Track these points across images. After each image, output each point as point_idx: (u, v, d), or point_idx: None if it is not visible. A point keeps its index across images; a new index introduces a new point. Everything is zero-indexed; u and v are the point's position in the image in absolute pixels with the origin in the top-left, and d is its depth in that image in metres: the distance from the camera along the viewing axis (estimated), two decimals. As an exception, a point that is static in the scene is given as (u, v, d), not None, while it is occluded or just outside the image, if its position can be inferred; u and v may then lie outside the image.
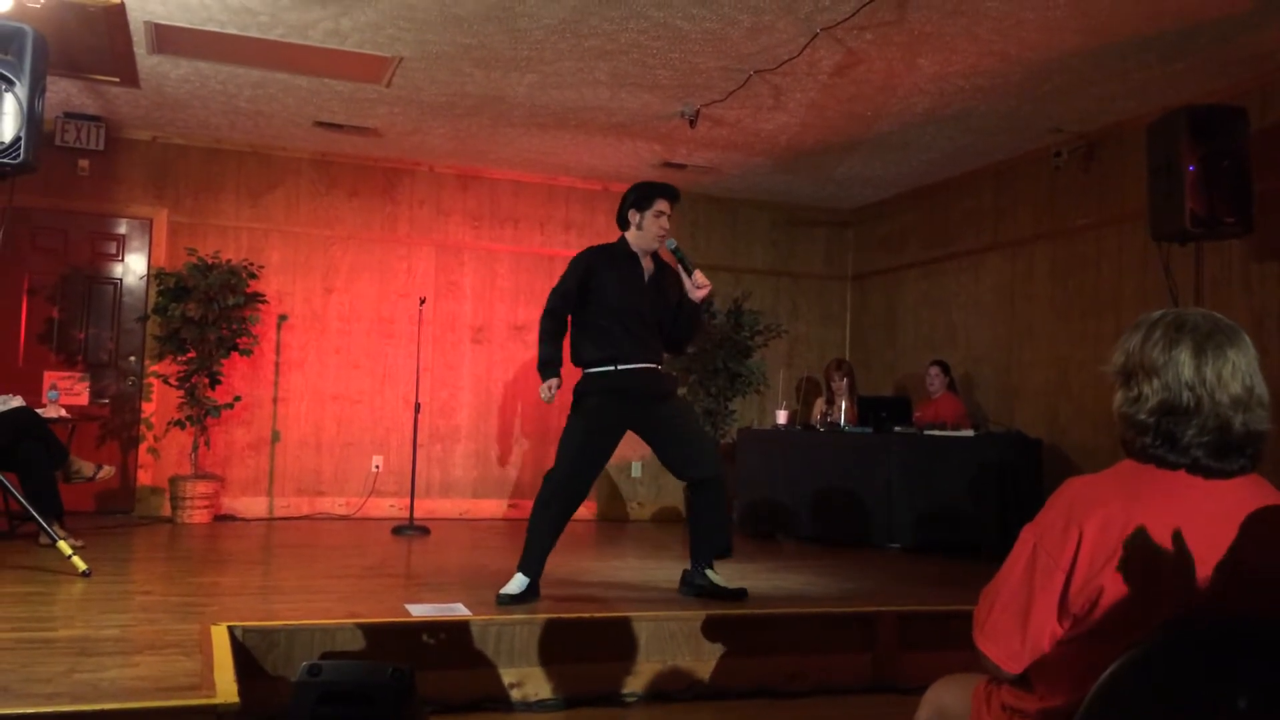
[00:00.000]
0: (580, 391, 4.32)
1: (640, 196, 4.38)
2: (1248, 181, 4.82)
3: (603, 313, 4.30)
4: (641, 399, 4.30)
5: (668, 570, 4.89)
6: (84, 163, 6.96)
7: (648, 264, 4.42)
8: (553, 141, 7.06)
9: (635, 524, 7.89)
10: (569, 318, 4.40)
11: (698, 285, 4.33)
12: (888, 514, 6.46)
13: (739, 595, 4.24)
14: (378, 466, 7.55)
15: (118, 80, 6.06)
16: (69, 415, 6.07)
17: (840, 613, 4.17)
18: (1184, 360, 1.60)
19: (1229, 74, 5.35)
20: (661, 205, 4.35)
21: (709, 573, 4.34)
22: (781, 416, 7.23)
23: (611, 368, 4.26)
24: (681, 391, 7.85)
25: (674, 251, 4.38)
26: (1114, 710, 1.46)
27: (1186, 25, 4.79)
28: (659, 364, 4.40)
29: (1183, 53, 5.11)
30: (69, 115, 6.74)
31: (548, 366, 4.31)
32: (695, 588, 4.33)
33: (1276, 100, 5.33)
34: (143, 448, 7.08)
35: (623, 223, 4.44)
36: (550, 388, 4.26)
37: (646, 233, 4.36)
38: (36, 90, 4.05)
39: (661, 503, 8.15)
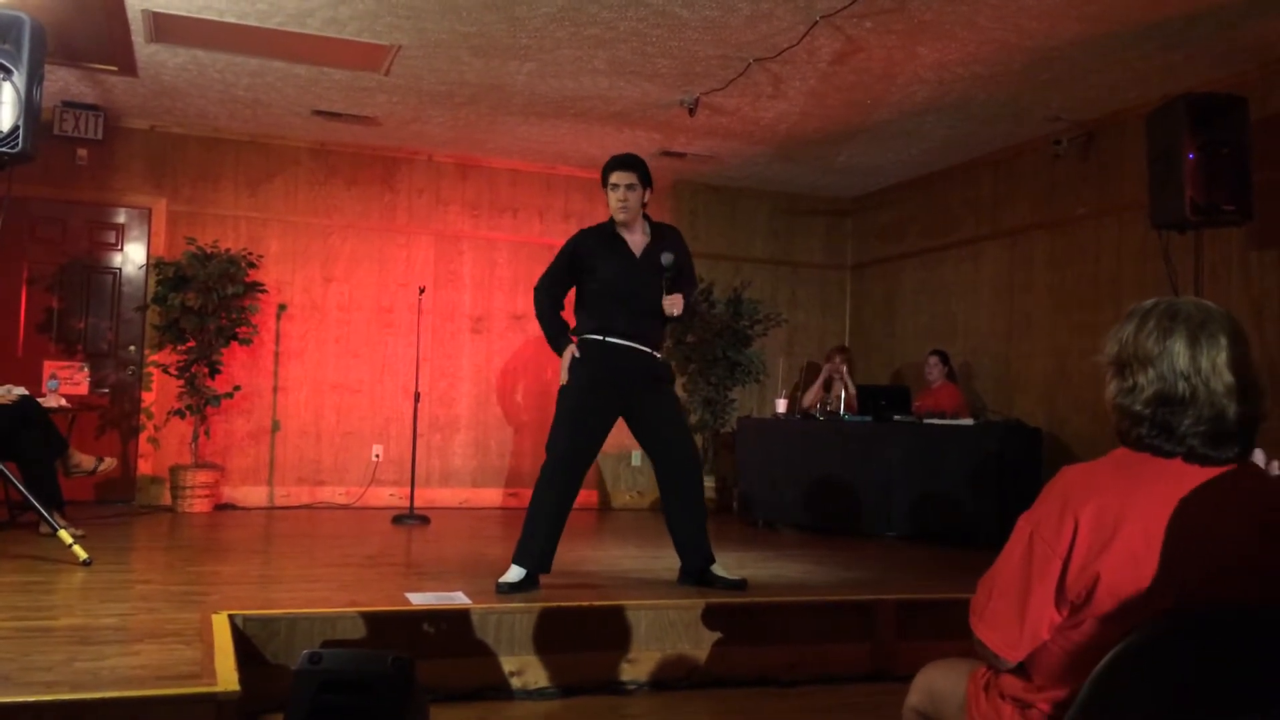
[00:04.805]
0: (571, 361, 4.28)
1: (601, 175, 4.38)
2: (1247, 170, 4.82)
3: (597, 287, 4.31)
4: (631, 381, 4.28)
5: (667, 559, 4.89)
6: (82, 152, 6.95)
7: (636, 239, 4.36)
8: (551, 130, 7.04)
9: (634, 513, 7.90)
10: (570, 299, 4.40)
11: (668, 305, 4.27)
12: (887, 503, 6.46)
13: (739, 585, 4.24)
14: (378, 456, 7.56)
15: (116, 69, 6.04)
16: (69, 405, 6.07)
17: (839, 601, 4.18)
18: (1178, 350, 1.60)
19: (1230, 63, 5.34)
20: (613, 179, 4.30)
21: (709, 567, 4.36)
22: (781, 405, 7.24)
23: (600, 337, 4.25)
24: (681, 380, 7.89)
25: (665, 268, 4.25)
26: (1110, 699, 1.47)
27: (1187, 13, 4.78)
28: (655, 350, 4.37)
29: (1183, 41, 5.09)
30: (67, 104, 6.72)
31: (558, 338, 4.32)
32: (695, 576, 4.34)
33: (1277, 90, 5.32)
34: (143, 437, 7.09)
35: None
36: (569, 358, 4.25)
37: (612, 209, 4.33)
38: (34, 79, 4.03)
39: (661, 492, 8.15)
